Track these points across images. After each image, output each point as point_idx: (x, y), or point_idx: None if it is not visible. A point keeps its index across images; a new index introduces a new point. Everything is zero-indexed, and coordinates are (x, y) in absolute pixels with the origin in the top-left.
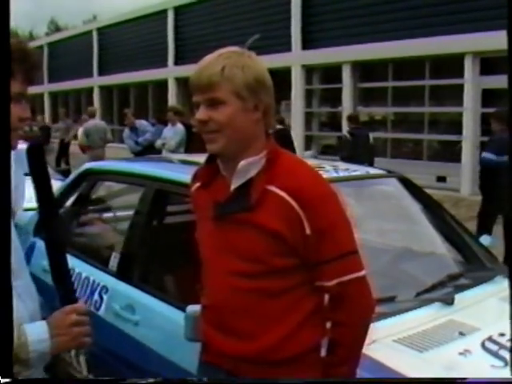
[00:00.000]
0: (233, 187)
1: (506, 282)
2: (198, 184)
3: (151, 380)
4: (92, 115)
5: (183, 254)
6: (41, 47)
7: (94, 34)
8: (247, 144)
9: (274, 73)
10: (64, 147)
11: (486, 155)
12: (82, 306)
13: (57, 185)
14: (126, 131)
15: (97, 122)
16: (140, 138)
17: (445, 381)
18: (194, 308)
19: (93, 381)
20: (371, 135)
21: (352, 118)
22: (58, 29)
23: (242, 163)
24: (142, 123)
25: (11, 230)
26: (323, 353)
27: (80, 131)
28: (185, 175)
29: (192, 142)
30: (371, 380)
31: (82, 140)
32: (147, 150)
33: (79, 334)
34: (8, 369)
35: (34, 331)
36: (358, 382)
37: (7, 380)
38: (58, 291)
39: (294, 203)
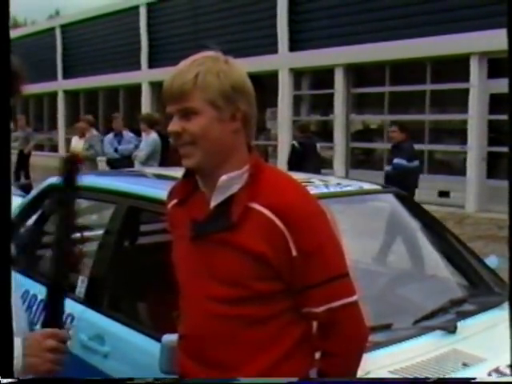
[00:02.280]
0: (213, 204)
1: None
2: (174, 201)
3: (151, 379)
4: (92, 124)
5: (158, 278)
6: None
7: (57, 32)
8: (226, 157)
9: (258, 77)
10: (23, 159)
11: (399, 161)
12: (64, 332)
13: (17, 201)
14: (109, 136)
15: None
16: (121, 146)
17: (452, 381)
18: (170, 338)
19: (93, 381)
20: (318, 145)
21: (301, 127)
22: (16, 25)
23: (223, 178)
24: (128, 133)
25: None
26: None
27: (85, 142)
28: (160, 191)
29: (168, 154)
30: (371, 380)
31: (89, 152)
32: (125, 161)
33: (52, 361)
34: (8, 369)
35: None
36: (358, 382)
37: (7, 380)
38: (46, 311)
39: (278, 222)
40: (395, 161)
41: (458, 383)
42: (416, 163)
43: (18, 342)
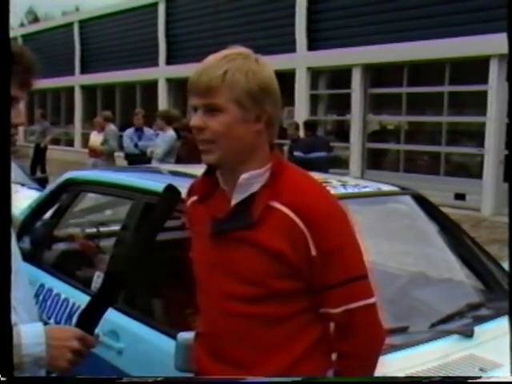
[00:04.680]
0: (233, 202)
1: None
2: (194, 198)
3: (151, 379)
4: (110, 119)
5: (174, 274)
6: (14, 39)
7: (76, 27)
8: (246, 156)
9: (275, 76)
10: (40, 153)
11: (297, 154)
12: (92, 339)
13: (32, 194)
14: (130, 130)
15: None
16: (141, 142)
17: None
18: (185, 335)
19: (93, 380)
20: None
21: (297, 127)
22: (36, 19)
23: (244, 176)
24: (149, 130)
25: (12, 236)
26: None
27: (102, 137)
28: (179, 188)
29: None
30: (371, 380)
31: (104, 146)
32: (143, 157)
33: (68, 361)
34: (8, 369)
35: (29, 333)
36: (358, 382)
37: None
38: (84, 313)
39: (299, 221)
40: (294, 153)
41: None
42: (315, 155)
43: (40, 329)
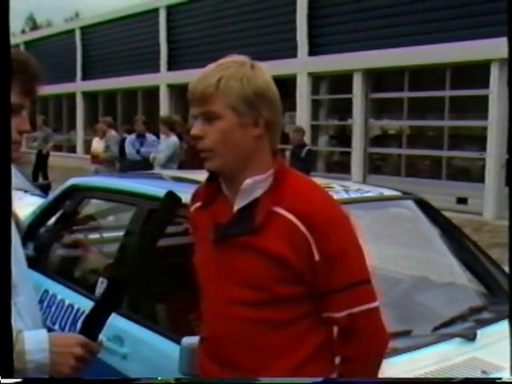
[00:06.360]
0: (236, 208)
1: None
2: (197, 204)
3: (153, 379)
4: (111, 125)
5: (178, 280)
6: (16, 46)
7: (77, 34)
8: (248, 162)
9: (277, 81)
10: (42, 159)
11: None
12: (96, 346)
13: (35, 201)
14: (132, 136)
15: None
16: (143, 148)
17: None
18: (189, 340)
19: (93, 381)
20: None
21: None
22: (35, 26)
23: (248, 182)
24: (151, 136)
25: (12, 241)
26: None
27: (104, 143)
28: (182, 194)
29: (186, 154)
30: (372, 380)
31: (106, 153)
32: (145, 164)
33: (72, 367)
34: (8, 369)
35: (33, 340)
36: (359, 383)
37: (7, 380)
38: (87, 320)
39: (302, 226)
40: None
41: (482, 383)
42: None
43: (43, 336)
